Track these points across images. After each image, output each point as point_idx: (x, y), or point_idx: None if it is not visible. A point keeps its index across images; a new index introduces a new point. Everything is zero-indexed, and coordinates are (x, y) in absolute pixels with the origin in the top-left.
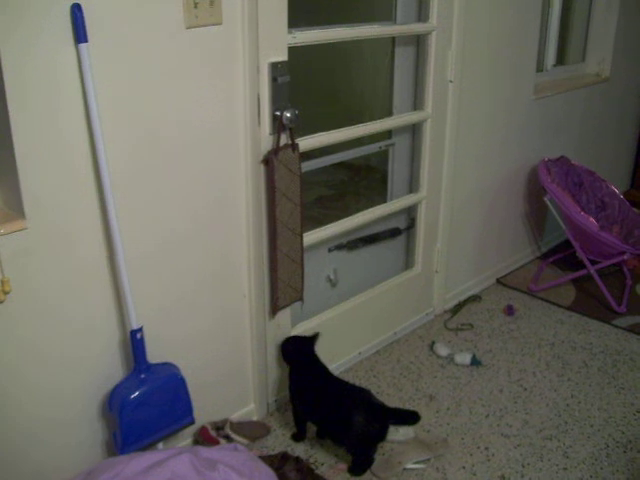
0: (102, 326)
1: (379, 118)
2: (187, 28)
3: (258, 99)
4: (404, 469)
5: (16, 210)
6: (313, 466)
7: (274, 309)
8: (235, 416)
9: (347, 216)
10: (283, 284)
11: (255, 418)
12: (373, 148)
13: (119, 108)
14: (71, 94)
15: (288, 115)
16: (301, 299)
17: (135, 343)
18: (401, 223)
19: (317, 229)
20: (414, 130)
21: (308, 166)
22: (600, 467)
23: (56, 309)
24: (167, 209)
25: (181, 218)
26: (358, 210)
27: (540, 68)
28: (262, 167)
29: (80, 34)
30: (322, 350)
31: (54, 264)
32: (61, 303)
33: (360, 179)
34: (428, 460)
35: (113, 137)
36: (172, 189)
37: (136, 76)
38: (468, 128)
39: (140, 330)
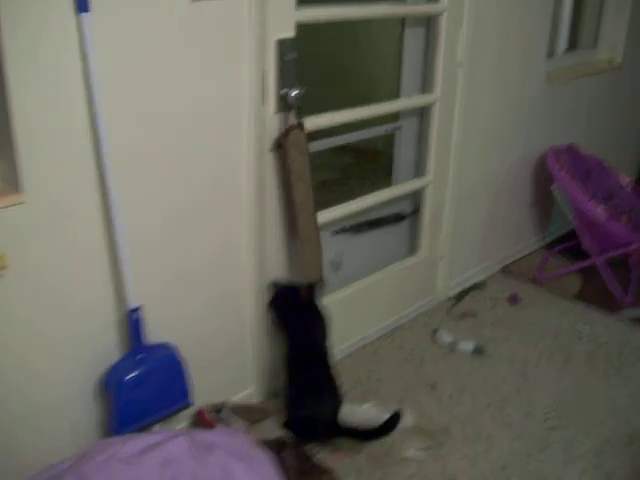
0: (100, 304)
1: (387, 100)
2: (192, 1)
3: (263, 76)
4: (403, 457)
5: (13, 184)
6: (311, 452)
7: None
8: (234, 399)
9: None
10: (309, 267)
11: (254, 401)
12: (380, 130)
13: (120, 83)
14: (72, 66)
15: (294, 94)
16: (322, 279)
17: (132, 323)
18: (406, 208)
19: (321, 211)
20: (422, 113)
21: (313, 147)
22: (603, 459)
23: (53, 286)
24: (168, 187)
25: (182, 196)
26: (363, 194)
27: (551, 53)
28: (265, 144)
29: (81, 2)
30: None
31: (52, 240)
32: (58, 280)
33: (366, 163)
34: (428, 449)
35: (113, 112)
36: (173, 166)
37: (138, 50)
38: (476, 113)
39: (138, 310)
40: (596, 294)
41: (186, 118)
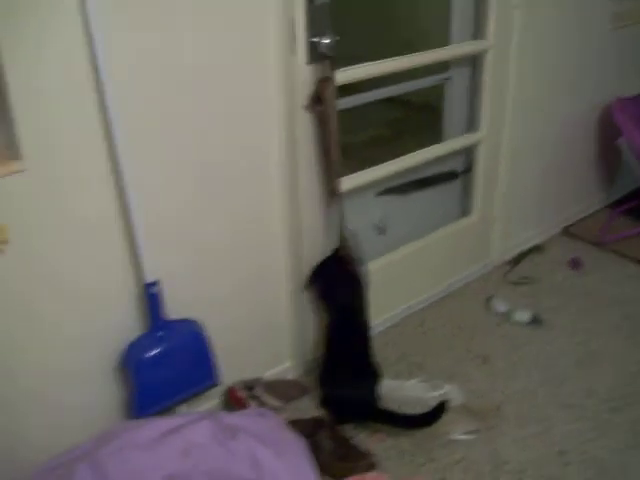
0: (116, 276)
1: (434, 48)
2: None
3: (293, 23)
4: (450, 439)
5: (12, 150)
6: (349, 434)
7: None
8: (268, 375)
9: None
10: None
11: (291, 377)
12: (427, 82)
13: (127, 37)
14: (73, 19)
15: (326, 42)
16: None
17: (150, 298)
18: (458, 166)
19: (362, 171)
20: (474, 62)
21: (353, 101)
22: None
23: (59, 258)
24: (187, 150)
25: (203, 160)
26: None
27: None
28: (297, 99)
29: None
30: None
31: (56, 209)
32: (64, 253)
33: (419, 118)
34: (477, 431)
35: (122, 68)
36: (192, 127)
37: None
38: (534, 61)
39: (155, 284)
40: None
41: (206, 68)
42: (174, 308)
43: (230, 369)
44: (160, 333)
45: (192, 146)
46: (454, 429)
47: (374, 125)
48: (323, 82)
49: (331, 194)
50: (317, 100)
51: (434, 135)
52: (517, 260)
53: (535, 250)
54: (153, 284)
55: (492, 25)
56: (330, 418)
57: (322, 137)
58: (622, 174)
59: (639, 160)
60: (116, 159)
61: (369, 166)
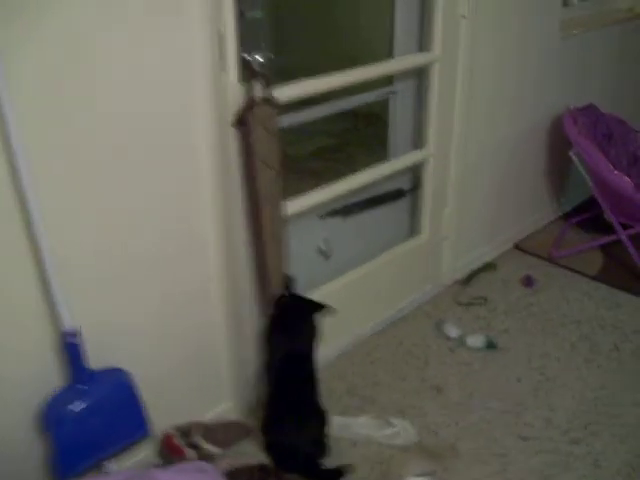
0: (29, 327)
1: (377, 61)
2: None
3: (221, 38)
4: None
5: None
6: None
7: (267, 300)
8: (209, 416)
9: (350, 169)
10: (272, 270)
11: (232, 417)
12: (370, 97)
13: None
14: None
15: (259, 59)
16: (287, 287)
17: (69, 349)
18: (405, 183)
19: (303, 195)
20: (420, 75)
21: (295, 119)
22: (638, 478)
23: None
24: (114, 179)
25: (131, 184)
26: (362, 163)
27: (566, 2)
28: (228, 120)
29: None
30: None
31: None
32: None
33: (365, 127)
34: (433, 473)
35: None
36: (115, 145)
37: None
38: (483, 72)
39: (74, 334)
40: (620, 273)
41: (130, 86)
42: (100, 357)
43: (165, 413)
44: (82, 386)
45: (113, 167)
46: (408, 471)
47: (320, 136)
48: (249, 104)
49: (254, 230)
50: (241, 123)
51: (381, 146)
52: (469, 279)
53: (487, 268)
54: (72, 333)
55: (438, 36)
56: (276, 466)
57: (245, 164)
58: (572, 186)
59: (591, 173)
60: (26, 204)
61: (315, 180)
